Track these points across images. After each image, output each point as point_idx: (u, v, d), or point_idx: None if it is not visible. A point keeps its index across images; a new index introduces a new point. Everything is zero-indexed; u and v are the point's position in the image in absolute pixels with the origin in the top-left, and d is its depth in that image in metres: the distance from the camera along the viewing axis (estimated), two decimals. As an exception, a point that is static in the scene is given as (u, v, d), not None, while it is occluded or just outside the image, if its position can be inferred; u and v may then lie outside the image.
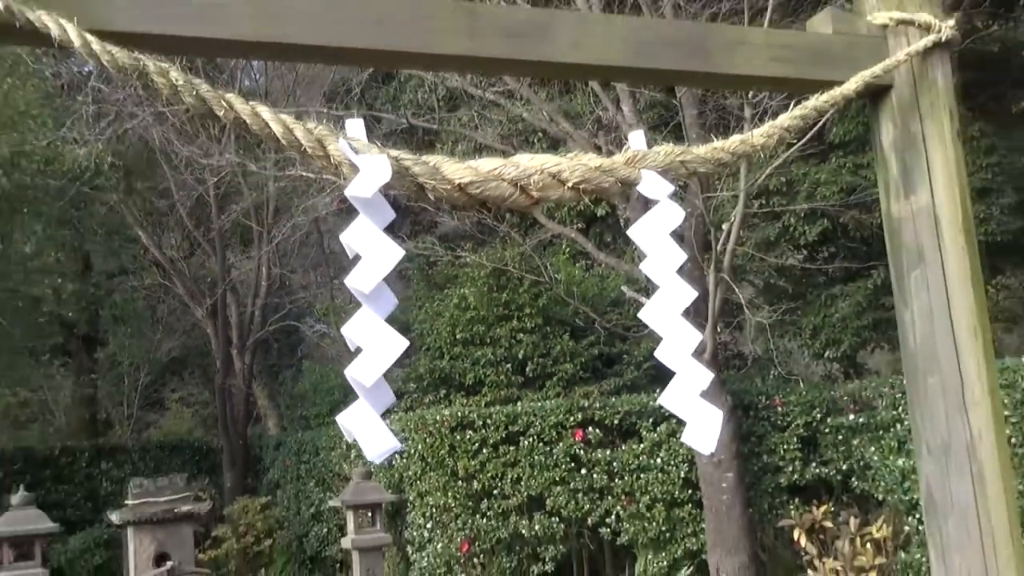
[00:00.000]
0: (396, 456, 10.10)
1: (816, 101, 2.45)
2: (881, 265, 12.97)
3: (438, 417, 9.79)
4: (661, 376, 2.16)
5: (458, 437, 9.56)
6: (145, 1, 1.94)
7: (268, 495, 14.32)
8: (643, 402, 9.94)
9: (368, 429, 1.82)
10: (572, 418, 9.71)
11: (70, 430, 17.97)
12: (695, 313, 8.81)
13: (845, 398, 9.71)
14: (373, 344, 1.85)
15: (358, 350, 1.87)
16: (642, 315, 2.18)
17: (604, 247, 11.77)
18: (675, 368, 2.10)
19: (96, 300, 16.84)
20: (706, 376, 2.11)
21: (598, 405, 9.93)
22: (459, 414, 9.82)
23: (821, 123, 10.46)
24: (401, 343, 1.86)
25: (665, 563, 9.37)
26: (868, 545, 8.57)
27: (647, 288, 9.49)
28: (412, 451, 9.78)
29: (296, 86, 15.56)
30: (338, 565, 12.22)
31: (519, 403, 10.42)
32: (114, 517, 11.79)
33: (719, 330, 9.84)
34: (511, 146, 11.23)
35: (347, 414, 1.85)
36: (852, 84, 2.48)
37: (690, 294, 2.14)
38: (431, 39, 2.19)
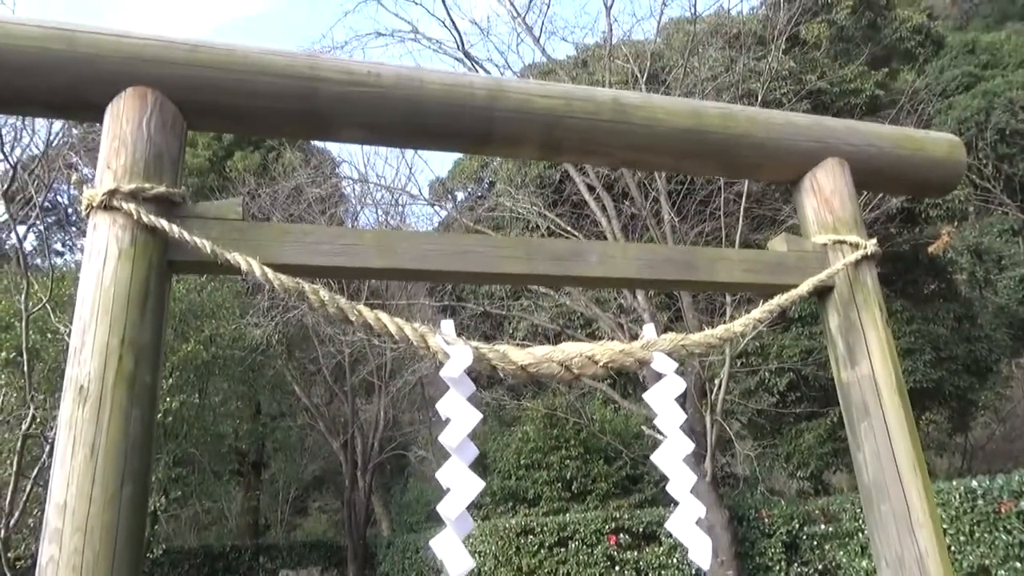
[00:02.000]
0: (476, 554, 9.68)
1: (779, 300, 2.44)
2: (837, 407, 12.50)
3: (507, 525, 9.45)
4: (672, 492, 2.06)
5: (522, 540, 9.18)
6: (303, 244, 2.04)
7: (381, 584, 13.77)
8: (661, 514, 9.48)
9: (452, 553, 1.76)
10: (607, 526, 9.29)
11: (238, 531, 17.67)
12: (697, 444, 8.52)
13: (816, 511, 9.15)
14: (458, 486, 1.81)
15: (448, 490, 1.83)
16: (653, 458, 2.11)
17: (627, 396, 11.55)
18: (678, 499, 2.02)
19: (263, 435, 16.89)
20: (700, 508, 2.02)
21: (627, 516, 9.50)
22: (523, 523, 9.46)
23: (783, 304, 10.37)
24: (478, 484, 1.82)
25: (683, 644, 8.68)
26: (844, 631, 7.86)
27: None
28: (488, 551, 9.38)
29: (408, 284, 15.99)
30: (432, 641, 11.54)
31: (567, 514, 10.00)
32: (267, 601, 11.42)
33: (716, 457, 9.44)
34: (557, 325, 11.26)
35: (437, 540, 1.79)
36: (804, 287, 2.47)
37: (689, 445, 2.08)
38: (500, 263, 2.25)
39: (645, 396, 2.14)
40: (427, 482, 17.10)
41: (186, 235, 1.86)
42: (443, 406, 1.89)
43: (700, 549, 1.94)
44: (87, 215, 1.89)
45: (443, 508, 1.79)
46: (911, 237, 13.96)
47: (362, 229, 2.70)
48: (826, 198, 2.69)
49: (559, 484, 11.67)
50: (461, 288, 15.63)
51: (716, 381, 9.02)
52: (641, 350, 2.14)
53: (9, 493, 4.22)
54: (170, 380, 9.97)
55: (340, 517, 18.41)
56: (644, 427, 10.21)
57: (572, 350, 2.08)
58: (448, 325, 2.01)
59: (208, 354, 10.68)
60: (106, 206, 1.85)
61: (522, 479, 11.90)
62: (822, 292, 2.59)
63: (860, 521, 7.97)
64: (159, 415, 9.51)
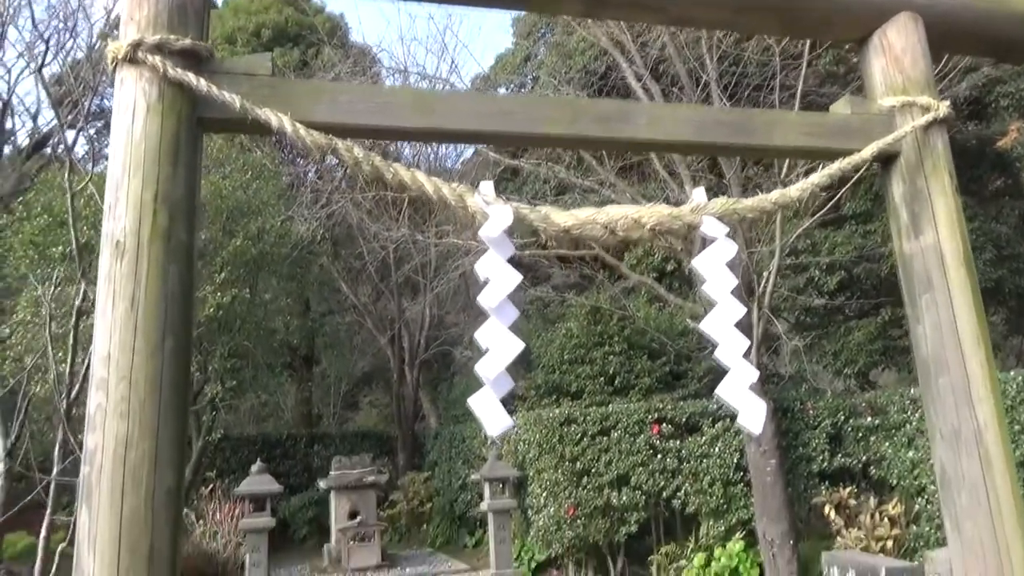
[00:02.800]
0: (520, 442, 9.97)
1: (840, 164, 2.29)
2: (888, 304, 12.23)
3: (551, 415, 9.64)
4: (717, 386, 1.99)
5: (565, 430, 9.38)
6: (338, 100, 1.95)
7: (428, 471, 14.37)
8: (704, 405, 9.55)
9: (489, 410, 1.73)
10: (650, 416, 9.41)
11: (294, 422, 18.52)
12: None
13: (863, 404, 9.08)
14: (496, 345, 1.78)
15: (487, 350, 1.80)
16: (702, 325, 2.03)
17: (672, 291, 11.44)
18: (729, 366, 1.95)
19: (313, 332, 17.37)
20: (753, 373, 1.95)
21: (670, 407, 9.59)
22: (566, 413, 9.64)
23: (838, 196, 9.98)
24: (518, 345, 1.78)
25: (723, 528, 8.91)
26: (885, 519, 7.95)
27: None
28: (532, 439, 9.64)
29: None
30: (478, 523, 12.11)
31: (610, 406, 10.14)
32: (322, 483, 12.04)
33: (761, 353, 9.37)
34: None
35: (475, 397, 1.77)
36: (868, 151, 2.31)
37: (740, 309, 1.99)
38: (543, 124, 2.14)
39: (694, 261, 2.05)
40: (472, 378, 17.48)
41: (214, 90, 1.79)
42: (482, 266, 1.83)
43: (753, 413, 1.89)
44: (113, 70, 1.83)
45: (481, 367, 1.76)
46: (977, 131, 13.20)
47: (399, 87, 2.61)
48: (896, 56, 2.47)
49: (602, 379, 11.79)
50: (504, 185, 15.47)
51: (764, 276, 8.85)
52: (690, 213, 2.04)
53: (68, 366, 4.43)
54: (222, 275, 10.21)
55: (390, 411, 19.08)
56: (689, 321, 10.16)
57: (617, 212, 1.99)
58: (487, 185, 1.93)
59: (256, 250, 10.85)
60: (131, 59, 1.79)
61: (566, 373, 12.05)
62: (887, 158, 2.42)
63: (909, 413, 7.93)
64: (211, 310, 9.86)
